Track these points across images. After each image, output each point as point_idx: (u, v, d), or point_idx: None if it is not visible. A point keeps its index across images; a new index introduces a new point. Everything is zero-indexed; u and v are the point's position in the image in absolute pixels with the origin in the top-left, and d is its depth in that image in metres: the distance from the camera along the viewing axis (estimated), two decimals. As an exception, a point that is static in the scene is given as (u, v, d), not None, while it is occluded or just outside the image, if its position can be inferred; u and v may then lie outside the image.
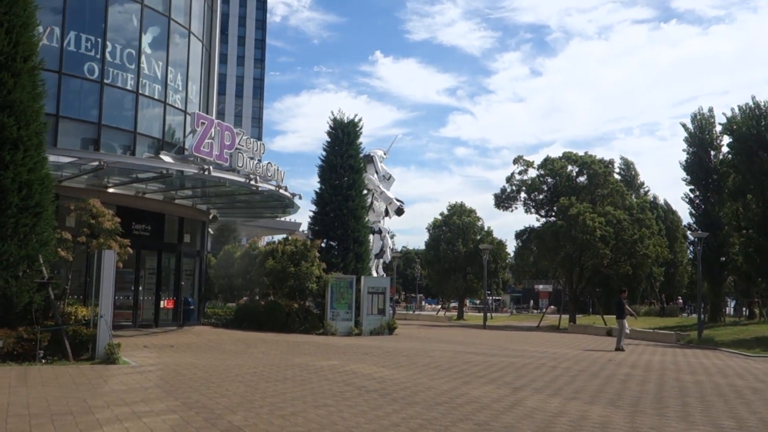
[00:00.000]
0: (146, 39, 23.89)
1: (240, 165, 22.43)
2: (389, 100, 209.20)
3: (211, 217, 30.12)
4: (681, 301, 70.03)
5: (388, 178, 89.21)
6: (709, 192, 40.28)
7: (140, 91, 23.34)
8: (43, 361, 13.52)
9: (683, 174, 41.05)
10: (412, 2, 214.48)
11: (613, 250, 40.90)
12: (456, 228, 55.00)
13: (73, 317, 15.97)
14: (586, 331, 37.14)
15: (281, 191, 23.36)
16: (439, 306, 71.18)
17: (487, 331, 36.59)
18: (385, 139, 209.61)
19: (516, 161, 46.41)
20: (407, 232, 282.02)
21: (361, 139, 31.90)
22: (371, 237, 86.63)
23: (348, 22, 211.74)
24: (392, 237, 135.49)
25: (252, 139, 23.85)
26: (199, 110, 26.78)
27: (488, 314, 62.48)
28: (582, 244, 39.70)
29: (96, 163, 18.31)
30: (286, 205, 26.33)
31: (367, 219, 31.35)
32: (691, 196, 40.93)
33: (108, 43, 22.35)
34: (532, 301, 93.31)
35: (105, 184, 21.40)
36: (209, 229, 31.27)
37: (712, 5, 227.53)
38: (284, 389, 10.83)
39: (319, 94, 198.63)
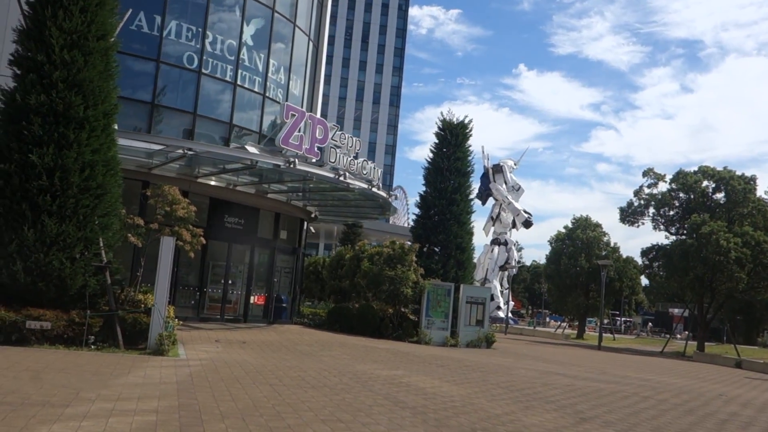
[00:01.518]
0: (248, 31, 23.65)
1: (332, 160, 21.59)
2: (531, 114, 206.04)
3: (312, 215, 29.67)
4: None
5: (517, 189, 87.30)
6: None
7: (239, 83, 23.11)
8: (93, 347, 13.14)
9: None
10: (558, 16, 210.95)
11: (750, 274, 36.69)
12: (580, 242, 52.00)
13: (142, 305, 15.64)
14: (713, 361, 33.45)
15: (374, 190, 22.30)
16: (561, 323, 67.64)
17: (600, 353, 33.78)
18: (527, 153, 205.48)
19: (646, 174, 42.89)
20: (540, 246, 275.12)
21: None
22: (496, 248, 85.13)
23: (493, 35, 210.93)
24: (519, 249, 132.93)
25: (348, 135, 22.99)
26: (304, 105, 26.39)
27: (612, 335, 58.90)
28: (714, 265, 35.86)
29: (180, 151, 18.02)
30: (382, 205, 25.25)
31: (472, 225, 29.66)
32: None
33: (209, 33, 22.27)
34: (664, 326, 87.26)
35: (195, 174, 21.25)
36: (310, 228, 30.87)
37: None
38: (310, 397, 9.66)
39: (460, 106, 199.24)
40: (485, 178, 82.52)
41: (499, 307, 76.43)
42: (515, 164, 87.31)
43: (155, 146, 18.82)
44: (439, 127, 29.89)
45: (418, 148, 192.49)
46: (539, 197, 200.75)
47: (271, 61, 24.44)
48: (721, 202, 40.95)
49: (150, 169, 20.05)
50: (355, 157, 23.11)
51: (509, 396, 12.01)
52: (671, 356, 37.29)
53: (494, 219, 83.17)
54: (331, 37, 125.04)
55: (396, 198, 25.62)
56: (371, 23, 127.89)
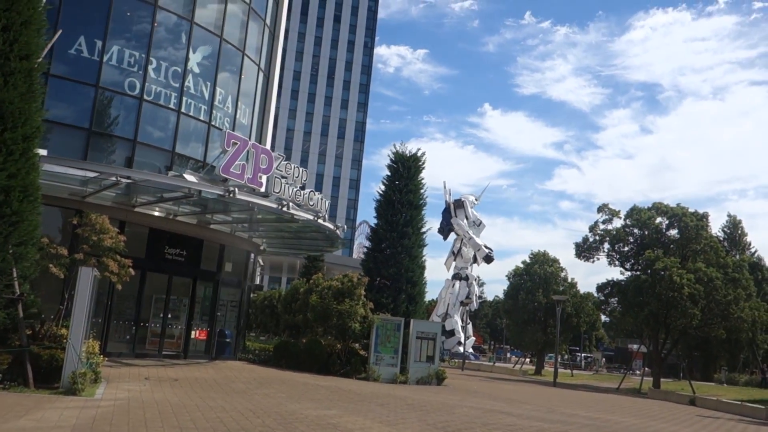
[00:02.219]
0: (194, 58, 23.14)
1: (276, 191, 20.99)
2: (496, 152, 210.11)
3: (261, 248, 28.94)
4: (789, 373, 63.30)
5: (478, 225, 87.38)
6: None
7: (183, 110, 22.52)
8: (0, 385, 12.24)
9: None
10: (523, 57, 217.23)
11: (703, 310, 36.76)
12: (537, 277, 51.86)
13: (64, 340, 14.74)
14: (667, 398, 33.23)
15: (319, 221, 21.71)
16: (522, 359, 67.17)
17: (555, 389, 33.31)
18: (491, 190, 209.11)
19: (601, 209, 43.04)
20: (503, 282, 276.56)
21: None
22: (457, 283, 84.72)
23: (459, 74, 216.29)
24: (481, 285, 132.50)
25: (293, 165, 22.43)
26: (252, 136, 25.87)
27: (571, 372, 58.60)
28: (668, 301, 35.88)
29: (114, 179, 17.27)
30: (330, 237, 24.65)
31: (424, 258, 29.21)
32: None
33: (152, 59, 21.69)
34: (623, 362, 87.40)
35: (132, 203, 20.47)
36: (258, 260, 30.07)
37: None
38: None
39: (426, 143, 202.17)
40: (447, 213, 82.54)
41: (459, 343, 75.86)
42: (476, 200, 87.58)
43: (90, 173, 18.04)
44: (391, 159, 29.60)
45: None
46: (504, 234, 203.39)
47: (218, 90, 23.92)
48: (675, 238, 41.20)
49: (84, 197, 19.24)
50: (302, 188, 22.57)
51: (441, 438, 11.41)
52: (627, 393, 37.00)
53: (455, 254, 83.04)
54: (297, 73, 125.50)
55: (345, 229, 24.89)
56: (337, 59, 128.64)
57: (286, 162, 22.16)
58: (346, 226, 25.35)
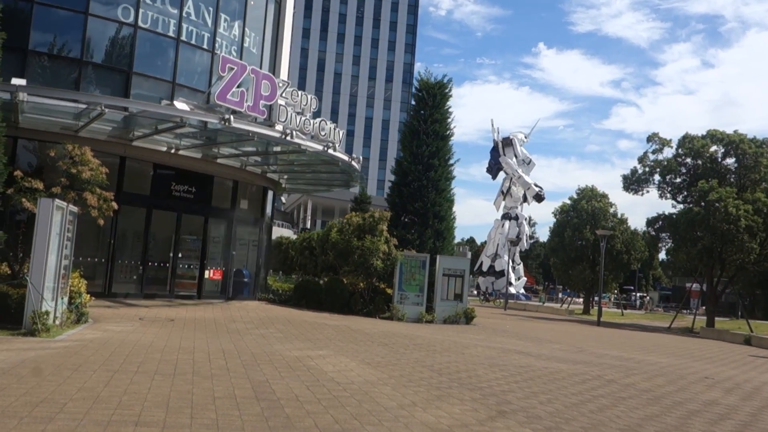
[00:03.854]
0: (194, -19, 21.57)
1: (282, 119, 19.60)
2: (551, 92, 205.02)
3: (282, 184, 27.76)
4: None
5: (528, 163, 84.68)
6: None
7: (183, 38, 21.12)
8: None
9: None
10: None
11: (762, 244, 34.15)
12: (585, 213, 49.53)
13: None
14: (720, 337, 31.21)
15: (330, 151, 20.23)
16: (570, 299, 65.26)
17: (597, 329, 31.66)
18: (547, 131, 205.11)
19: (650, 139, 40.20)
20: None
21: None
22: (507, 223, 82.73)
23: (512, 15, 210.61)
24: (532, 225, 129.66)
25: (301, 92, 20.93)
26: (264, 66, 24.37)
27: (621, 311, 56.62)
28: (723, 235, 33.37)
29: (98, 109, 16.08)
30: (346, 171, 23.18)
31: (452, 191, 27.51)
32: None
33: (146, -17, 20.25)
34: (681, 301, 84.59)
35: (129, 137, 19.35)
36: (281, 198, 28.90)
37: None
38: (146, 388, 7.79)
39: (480, 86, 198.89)
40: (495, 152, 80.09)
41: (510, 283, 74.42)
42: (526, 137, 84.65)
43: (82, 106, 16.94)
44: (416, 88, 27.75)
45: None
46: (561, 174, 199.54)
47: (222, 16, 22.39)
48: (732, 167, 38.31)
49: (76, 131, 18.18)
50: (313, 117, 21.13)
51: (431, 382, 10.05)
52: (678, 332, 35.11)
53: (504, 193, 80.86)
54: (342, 15, 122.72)
55: (360, 161, 23.27)
56: (383, 0, 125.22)
57: (292, 89, 20.68)
58: (362, 157, 23.79)
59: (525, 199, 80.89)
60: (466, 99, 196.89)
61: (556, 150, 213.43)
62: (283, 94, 20.01)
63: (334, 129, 21.48)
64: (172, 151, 20.51)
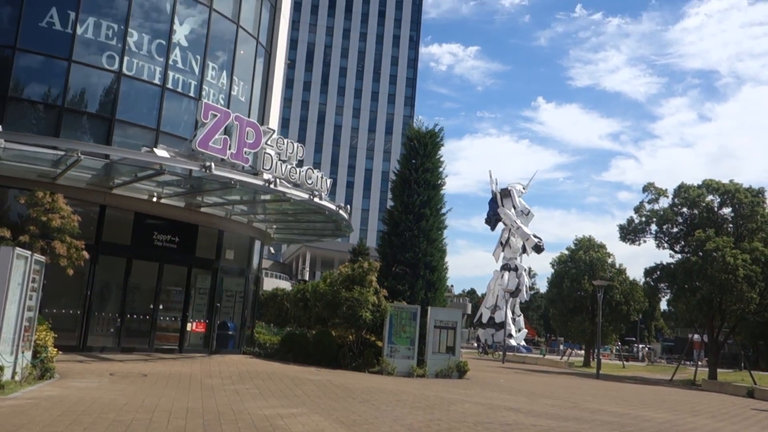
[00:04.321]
0: (182, 30, 21.48)
1: (268, 167, 19.16)
2: (551, 144, 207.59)
3: (272, 234, 27.24)
4: None
5: (526, 214, 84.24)
6: None
7: (169, 86, 20.90)
8: None
9: None
10: (575, 50, 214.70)
11: (762, 293, 33.41)
12: (582, 264, 48.86)
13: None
14: (723, 390, 30.22)
15: (316, 200, 19.75)
16: (570, 350, 64.01)
17: (596, 382, 30.65)
18: (547, 183, 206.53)
19: (646, 189, 39.84)
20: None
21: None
22: (506, 274, 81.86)
23: (511, 70, 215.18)
24: (532, 276, 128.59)
25: (287, 140, 20.56)
26: (253, 115, 24.14)
27: (622, 363, 55.40)
28: (721, 284, 32.66)
29: (75, 156, 15.67)
30: (334, 220, 22.67)
31: (444, 241, 26.93)
32: None
33: (132, 31, 20.10)
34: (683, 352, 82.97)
35: (110, 185, 18.91)
36: (270, 248, 28.33)
37: None
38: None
39: (481, 138, 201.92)
40: (494, 203, 79.80)
41: (510, 335, 73.21)
42: (524, 188, 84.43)
43: (60, 153, 16.52)
44: (407, 137, 27.45)
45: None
46: (561, 227, 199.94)
47: (210, 64, 22.23)
48: (728, 217, 37.85)
49: (54, 179, 17.76)
50: (299, 165, 20.72)
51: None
52: (680, 385, 34.07)
53: (503, 244, 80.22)
54: (343, 69, 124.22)
55: (348, 210, 22.77)
56: (383, 54, 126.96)
57: (278, 137, 20.32)
58: (350, 206, 23.30)
59: (524, 250, 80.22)
60: (468, 152, 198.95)
61: (556, 202, 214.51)
62: (269, 142, 19.62)
63: (321, 177, 21.07)
64: (154, 199, 20.05)
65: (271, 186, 18.10)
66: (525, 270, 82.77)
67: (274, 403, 12.45)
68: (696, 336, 70.56)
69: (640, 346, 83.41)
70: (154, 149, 16.82)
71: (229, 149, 18.20)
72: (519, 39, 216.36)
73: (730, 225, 37.46)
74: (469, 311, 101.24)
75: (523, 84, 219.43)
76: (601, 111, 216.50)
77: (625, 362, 55.92)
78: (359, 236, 70.85)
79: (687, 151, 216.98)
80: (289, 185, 19.31)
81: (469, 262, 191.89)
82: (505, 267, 79.10)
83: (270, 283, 56.16)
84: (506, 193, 79.58)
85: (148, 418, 9.62)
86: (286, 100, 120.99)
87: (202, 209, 21.56)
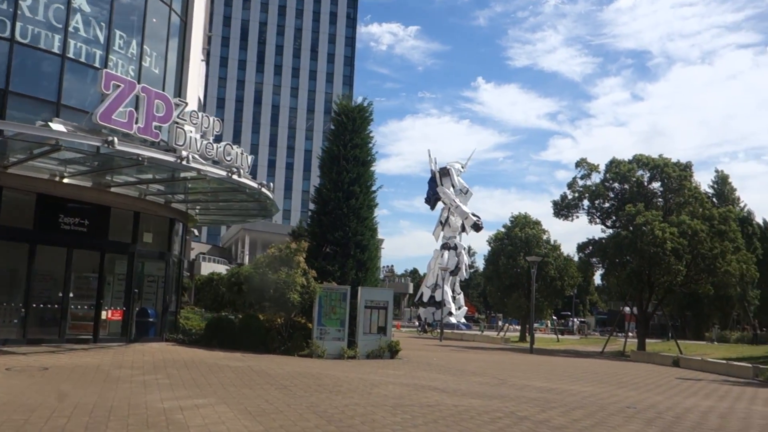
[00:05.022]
0: (83, -6, 19.86)
1: (180, 143, 17.92)
2: (491, 125, 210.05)
3: (195, 215, 25.96)
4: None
5: (465, 192, 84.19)
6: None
7: (70, 55, 19.33)
8: None
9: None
10: (513, 30, 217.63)
11: (688, 266, 33.85)
12: (518, 241, 48.97)
13: None
14: (650, 360, 30.70)
15: (235, 177, 18.59)
16: (507, 326, 64.42)
17: (529, 357, 30.54)
18: (487, 162, 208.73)
19: (579, 164, 39.93)
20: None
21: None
22: (446, 253, 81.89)
23: (451, 50, 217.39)
24: (472, 254, 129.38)
25: (203, 114, 19.33)
26: (168, 88, 22.69)
27: (557, 337, 55.99)
28: (650, 258, 32.94)
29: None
30: (258, 200, 21.55)
31: (375, 220, 26.11)
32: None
33: (27, -4, 18.44)
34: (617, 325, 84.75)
35: (4, 163, 17.37)
36: (193, 230, 27.08)
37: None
38: None
39: (422, 119, 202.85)
40: (433, 183, 79.44)
41: (450, 313, 73.32)
42: (463, 167, 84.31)
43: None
44: (335, 111, 26.39)
45: (383, 161, 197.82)
46: (501, 206, 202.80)
47: (117, 32, 20.70)
48: (658, 191, 38.29)
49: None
50: (217, 141, 19.54)
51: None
52: (611, 356, 34.42)
53: (443, 223, 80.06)
54: (279, 47, 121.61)
55: (271, 187, 21.63)
56: (320, 32, 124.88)
57: (192, 110, 19.07)
58: (273, 184, 22.19)
59: (463, 229, 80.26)
60: (409, 132, 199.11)
61: (497, 181, 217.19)
62: (182, 116, 18.36)
63: (241, 154, 19.95)
64: (57, 178, 18.57)
65: (184, 163, 16.88)
66: (464, 248, 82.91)
67: (182, 394, 11.45)
68: (627, 309, 72.29)
69: (576, 320, 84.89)
70: (50, 123, 15.41)
71: (137, 123, 16.93)
72: (458, 18, 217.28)
73: (659, 199, 37.95)
74: (411, 291, 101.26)
75: (463, 64, 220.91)
76: (539, 91, 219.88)
77: (559, 336, 56.49)
78: (300, 218, 69.52)
79: (621, 130, 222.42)
80: (205, 162, 18.15)
81: (411, 242, 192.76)
82: (445, 246, 79.07)
83: (208, 268, 54.53)
84: (445, 172, 79.37)
85: (24, 418, 8.53)
86: (221, 79, 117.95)
87: (113, 189, 20.13)
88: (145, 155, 16.14)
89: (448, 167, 79.80)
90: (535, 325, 59.48)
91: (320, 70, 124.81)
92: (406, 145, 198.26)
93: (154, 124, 17.40)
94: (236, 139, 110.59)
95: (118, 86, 16.50)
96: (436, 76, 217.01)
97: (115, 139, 15.33)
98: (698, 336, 58.65)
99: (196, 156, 17.82)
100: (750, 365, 24.65)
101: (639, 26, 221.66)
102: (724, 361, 26.52)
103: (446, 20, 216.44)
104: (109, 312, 21.06)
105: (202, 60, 30.54)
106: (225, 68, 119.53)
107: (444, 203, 79.07)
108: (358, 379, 15.47)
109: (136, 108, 17.16)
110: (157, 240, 23.00)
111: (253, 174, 22.70)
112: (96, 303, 20.42)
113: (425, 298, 76.82)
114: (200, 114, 19.15)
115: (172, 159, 16.76)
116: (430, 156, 79.21)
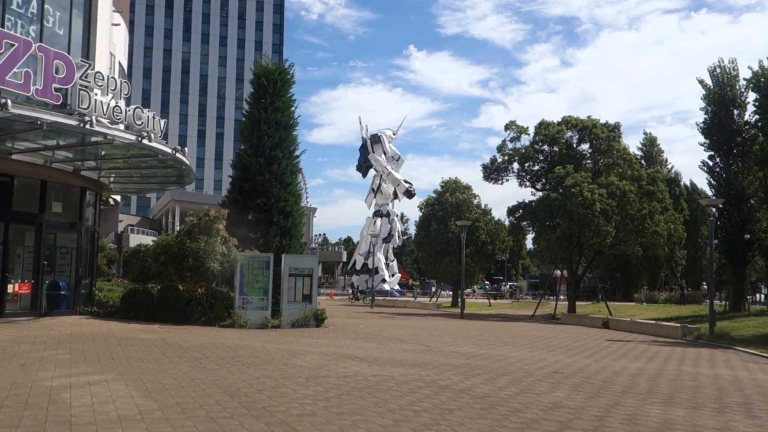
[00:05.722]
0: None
1: (85, 106, 16.89)
2: (423, 93, 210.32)
3: (109, 183, 24.83)
4: (706, 287, 63.29)
5: (397, 159, 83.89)
6: (731, 158, 33.77)
7: (-39, 14, 17.96)
8: None
9: (701, 138, 34.60)
10: None
11: (617, 227, 34.46)
12: (449, 206, 49.03)
13: None
14: (580, 322, 31.25)
15: (145, 141, 17.69)
16: (440, 292, 64.98)
17: (459, 322, 30.71)
18: (420, 130, 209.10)
19: (508, 127, 39.96)
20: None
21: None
22: (378, 221, 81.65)
23: (382, 18, 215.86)
24: (405, 221, 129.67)
25: (110, 76, 18.30)
26: (74, 51, 21.41)
27: (489, 301, 56.73)
28: (579, 220, 33.36)
29: None
30: (173, 166, 20.68)
31: (298, 185, 25.54)
32: (710, 163, 34.38)
33: None
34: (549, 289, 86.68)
35: None
36: (109, 200, 25.97)
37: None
38: None
39: (354, 88, 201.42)
40: (364, 150, 78.87)
41: (384, 280, 73.51)
42: (394, 134, 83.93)
43: None
44: (254, 74, 25.48)
45: (317, 131, 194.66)
46: (435, 173, 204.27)
47: (15, -10, 19.35)
48: (586, 153, 38.73)
49: None
50: (126, 104, 18.56)
51: (212, 410, 8.09)
52: (542, 320, 34.93)
53: (375, 191, 79.81)
54: (206, 15, 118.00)
55: (184, 152, 20.72)
56: (246, 0, 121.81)
57: (96, 71, 18.00)
58: (187, 149, 21.31)
59: (396, 196, 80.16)
60: (342, 101, 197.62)
61: (430, 149, 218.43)
62: (85, 77, 17.30)
63: (153, 118, 19.03)
64: (-51, 146, 17.35)
65: (89, 127, 15.95)
66: (397, 215, 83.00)
67: (79, 370, 10.79)
68: (558, 272, 73.82)
69: (509, 284, 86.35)
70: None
71: (34, 85, 15.84)
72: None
73: (588, 161, 38.38)
74: (344, 259, 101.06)
75: (395, 32, 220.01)
76: (471, 58, 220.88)
77: (491, 301, 57.25)
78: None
79: (551, 96, 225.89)
80: (113, 127, 17.20)
81: (345, 210, 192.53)
82: (378, 213, 78.99)
83: (136, 240, 53.03)
84: (376, 139, 78.88)
85: None
86: (147, 49, 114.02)
87: (15, 156, 18.95)
88: (44, 119, 15.21)
89: (380, 134, 79.33)
90: (466, 290, 60.30)
91: (248, 38, 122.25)
92: (339, 114, 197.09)
93: (54, 85, 16.35)
94: (164, 110, 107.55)
95: (12, 45, 15.39)
96: (367, 44, 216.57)
97: (9, 101, 14.32)
98: (628, 297, 60.33)
99: (103, 120, 16.88)
100: (678, 325, 25.32)
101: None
102: (653, 322, 27.15)
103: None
104: (16, 285, 19.96)
105: (116, 24, 29.05)
106: (151, 37, 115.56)
107: (376, 170, 78.77)
108: (276, 349, 15.05)
109: (35, 70, 16.06)
110: (67, 210, 21.90)
111: (182, 144, 21.83)
112: (1, 276, 19.31)
113: (358, 266, 76.84)
114: (106, 75, 18.09)
115: (74, 122, 15.83)
116: (360, 123, 78.54)
